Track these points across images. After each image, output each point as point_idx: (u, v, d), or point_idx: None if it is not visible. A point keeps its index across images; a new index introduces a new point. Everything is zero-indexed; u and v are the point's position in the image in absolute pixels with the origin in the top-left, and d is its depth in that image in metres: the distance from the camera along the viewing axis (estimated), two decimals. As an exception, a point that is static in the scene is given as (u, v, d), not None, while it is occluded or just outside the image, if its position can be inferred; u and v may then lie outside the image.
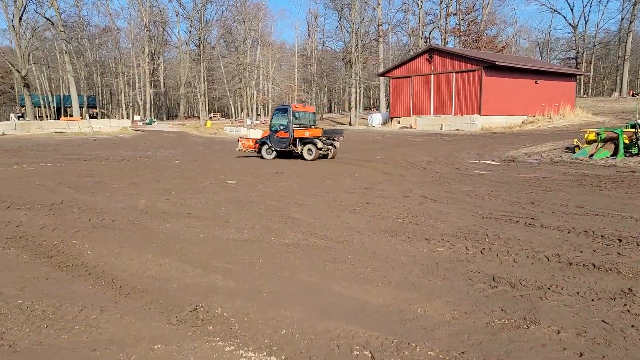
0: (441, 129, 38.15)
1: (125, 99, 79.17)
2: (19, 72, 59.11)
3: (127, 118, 68.27)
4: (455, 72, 38.08)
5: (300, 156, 20.31)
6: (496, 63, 35.89)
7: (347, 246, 6.95)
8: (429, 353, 3.82)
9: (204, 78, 75.38)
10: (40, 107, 72.80)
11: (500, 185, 11.98)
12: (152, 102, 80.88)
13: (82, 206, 10.00)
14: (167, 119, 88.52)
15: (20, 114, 65.78)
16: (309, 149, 19.76)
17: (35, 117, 65.07)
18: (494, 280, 5.40)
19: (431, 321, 4.43)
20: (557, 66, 57.74)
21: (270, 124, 20.95)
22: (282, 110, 21.03)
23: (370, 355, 3.82)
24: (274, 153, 20.76)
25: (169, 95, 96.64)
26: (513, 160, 17.54)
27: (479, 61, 36.79)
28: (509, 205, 9.49)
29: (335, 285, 5.39)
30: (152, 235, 7.69)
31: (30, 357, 3.86)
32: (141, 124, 62.97)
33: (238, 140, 22.77)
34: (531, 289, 5.12)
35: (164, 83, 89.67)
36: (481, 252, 6.45)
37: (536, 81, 39.23)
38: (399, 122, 43.05)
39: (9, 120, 55.32)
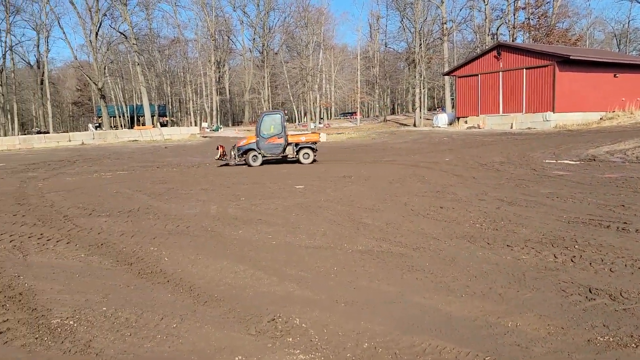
0: (511, 127, 36.71)
1: (193, 107, 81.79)
2: (95, 84, 62.58)
3: (195, 125, 70.52)
4: (526, 69, 36.52)
5: (292, 160, 20.72)
6: (570, 57, 34.10)
7: (423, 253, 6.68)
8: (526, 373, 3.52)
9: (267, 84, 76.66)
10: (115, 117, 76.67)
11: (583, 187, 11.25)
12: (218, 109, 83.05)
13: (157, 213, 10.27)
14: (233, 125, 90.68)
15: (97, 124, 69.61)
16: (306, 154, 20.18)
17: (111, 126, 68.55)
18: (590, 291, 4.98)
19: (525, 337, 4.11)
20: (638, 58, 54.23)
21: (259, 130, 20.32)
22: (272, 116, 20.90)
23: (461, 373, 3.57)
24: (260, 159, 20.34)
25: (234, 102, 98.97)
26: (594, 159, 16.49)
27: (551, 56, 35.09)
28: (597, 209, 8.85)
29: (415, 296, 5.16)
30: (226, 242, 7.73)
31: (116, 366, 3.89)
32: (208, 130, 64.78)
33: (217, 148, 21.71)
34: (635, 302, 4.66)
35: (229, 90, 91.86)
36: (572, 260, 6.00)
37: (615, 75, 36.93)
38: (465, 122, 41.86)
39: (87, 130, 58.56)
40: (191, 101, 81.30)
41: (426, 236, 7.55)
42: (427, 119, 52.64)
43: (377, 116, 79.33)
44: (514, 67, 37.78)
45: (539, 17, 59.29)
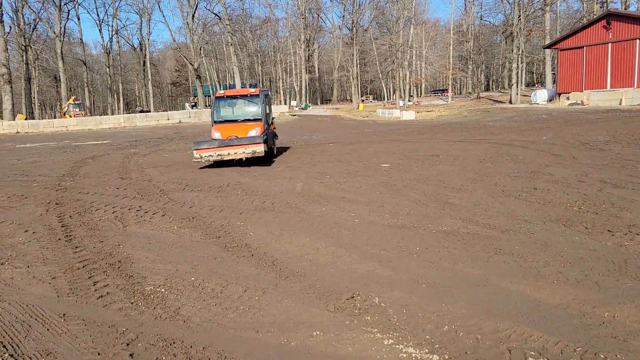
0: (620, 104, 33.84)
1: (282, 86, 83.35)
2: (192, 65, 65.43)
3: (285, 104, 71.91)
4: None
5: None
6: (692, 24, 30.73)
7: (513, 236, 6.35)
8: (622, 369, 3.25)
9: (356, 61, 76.12)
10: (210, 96, 79.93)
11: (701, 169, 10.14)
12: (307, 88, 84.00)
13: (245, 189, 10.59)
14: (321, 103, 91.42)
15: (193, 103, 72.97)
16: None
17: (206, 105, 71.60)
18: (703, 284, 4.49)
19: (623, 329, 3.78)
20: None
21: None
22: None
23: (548, 364, 3.36)
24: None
25: (322, 80, 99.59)
26: None
27: (669, 24, 31.81)
28: None
29: (501, 280, 4.92)
30: (309, 219, 7.82)
31: (202, 335, 4.07)
32: (297, 109, 65.78)
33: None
34: None
35: (318, 68, 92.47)
36: (683, 249, 5.43)
37: None
38: (567, 99, 39.15)
39: (184, 109, 61.57)
40: (281, 80, 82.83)
41: (517, 218, 7.17)
42: (525, 96, 49.86)
43: (469, 93, 76.38)
44: (625, 38, 34.64)
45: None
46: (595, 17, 41.81)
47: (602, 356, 3.40)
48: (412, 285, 4.92)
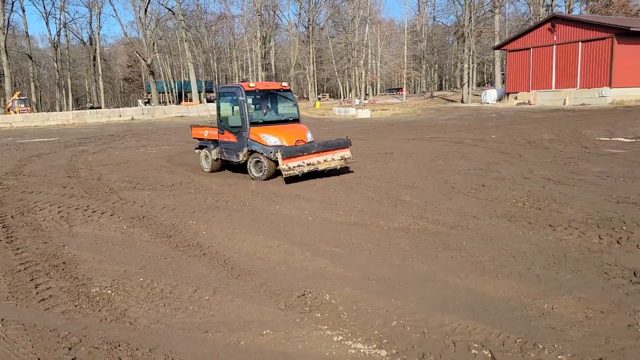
0: (564, 104, 35.21)
1: (239, 83, 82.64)
2: (145, 60, 63.89)
3: (241, 101, 71.32)
4: (582, 42, 34.73)
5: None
6: (631, 29, 32.13)
7: (461, 232, 6.53)
8: (559, 357, 3.40)
9: (312, 59, 76.18)
10: (163, 92, 78.28)
11: (637, 166, 10.68)
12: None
13: (198, 187, 10.45)
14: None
15: (146, 100, 71.34)
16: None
17: (160, 102, 70.11)
18: (635, 275, 4.74)
19: (560, 320, 3.96)
20: None
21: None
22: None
23: (490, 355, 3.48)
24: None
25: (279, 78, 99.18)
26: (651, 137, 15.63)
27: (610, 28, 33.19)
28: (650, 189, 8.40)
29: (449, 275, 5.05)
30: (263, 217, 7.80)
31: (149, 336, 4.00)
32: (254, 106, 65.38)
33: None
34: (683, 287, 4.41)
35: (275, 66, 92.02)
36: (618, 242, 5.72)
37: (679, 47, 34.71)
38: (515, 98, 40.42)
39: (137, 106, 60.10)
40: (237, 77, 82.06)
41: (465, 214, 7.38)
42: (476, 95, 51.16)
43: (423, 92, 77.78)
44: (568, 40, 36.03)
45: (598, -13, 56.13)
46: (540, 20, 43.29)
47: (540, 346, 3.54)
48: (363, 282, 4.99)
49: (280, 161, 10.33)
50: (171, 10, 64.03)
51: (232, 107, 12.07)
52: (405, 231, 6.70)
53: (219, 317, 4.29)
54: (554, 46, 37.09)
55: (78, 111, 50.26)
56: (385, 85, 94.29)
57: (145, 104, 62.28)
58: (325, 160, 11.13)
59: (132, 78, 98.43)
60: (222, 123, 12.06)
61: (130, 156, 16.75)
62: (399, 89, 77.41)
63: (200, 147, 13.14)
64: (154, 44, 66.50)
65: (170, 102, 75.61)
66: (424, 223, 7.04)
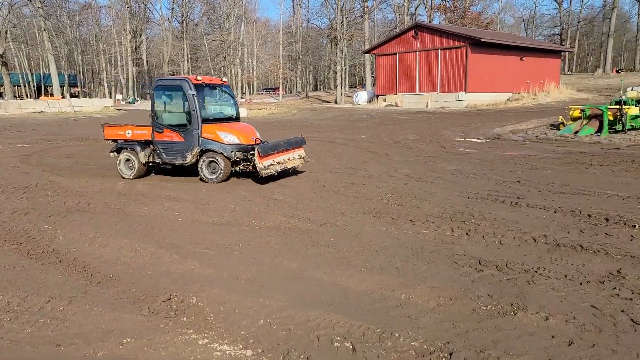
0: (427, 106, 37.91)
1: (107, 78, 77.57)
2: (-5, 50, 57.44)
3: (110, 97, 67.00)
4: (441, 49, 37.67)
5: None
6: (482, 40, 35.52)
7: (329, 229, 6.75)
8: (412, 343, 3.65)
9: (187, 56, 74.04)
10: (19, 86, 71.10)
11: (486, 164, 11.84)
12: (135, 81, 79.33)
13: (57, 189, 9.66)
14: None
15: (-2, 93, 64.28)
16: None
17: (15, 96, 63.59)
18: (480, 263, 5.25)
19: (415, 309, 4.26)
20: (542, 42, 57.48)
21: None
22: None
23: (351, 346, 3.64)
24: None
25: (152, 74, 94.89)
26: (499, 138, 17.41)
27: (464, 38, 36.38)
28: (495, 185, 9.35)
29: (317, 271, 5.20)
30: (129, 219, 7.43)
31: (-11, 354, 3.62)
32: (124, 103, 61.74)
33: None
34: (518, 272, 4.97)
35: (147, 61, 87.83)
36: (467, 234, 6.29)
37: (521, 58, 38.97)
38: (384, 100, 42.69)
39: (-13, 100, 53.95)
40: (105, 72, 77.05)
41: (334, 212, 7.64)
42: (348, 96, 53.16)
43: (299, 92, 79.12)
44: (430, 48, 38.83)
45: (454, 0, 61.17)
46: (405, 27, 46.18)
47: (396, 335, 3.78)
48: (232, 282, 4.96)
49: (257, 160, 9.69)
50: (26, -4, 58.34)
51: (176, 103, 10.98)
52: (277, 230, 6.77)
53: (74, 328, 4.01)
54: (417, 52, 39.72)
55: None
56: (261, 85, 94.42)
57: (-4, 98, 56.13)
58: (289, 159, 10.70)
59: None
60: (158, 120, 10.79)
61: (-24, 156, 15.00)
62: (276, 89, 77.99)
63: (118, 150, 11.27)
64: (6, 32, 60.08)
65: (27, 96, 68.98)
66: (294, 221, 7.17)
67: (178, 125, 10.66)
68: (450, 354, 3.48)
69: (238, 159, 10.19)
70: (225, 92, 11.61)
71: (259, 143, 10.43)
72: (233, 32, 62.08)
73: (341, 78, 53.77)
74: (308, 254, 5.76)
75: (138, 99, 69.08)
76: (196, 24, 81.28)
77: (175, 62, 77.52)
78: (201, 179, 10.41)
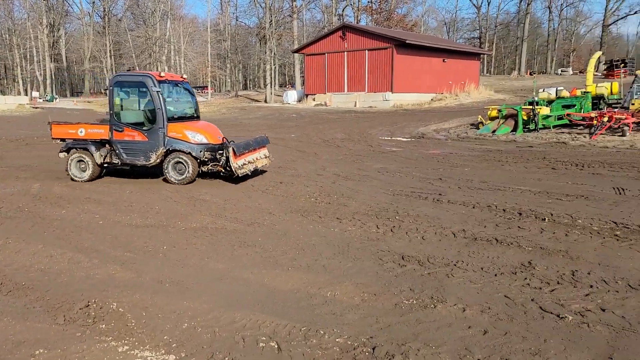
0: (355, 106, 38.55)
1: (22, 74, 72.98)
2: None
3: (25, 95, 63.07)
4: (368, 50, 38.44)
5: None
6: (407, 41, 36.59)
7: (257, 228, 6.72)
8: (337, 340, 3.71)
9: (110, 52, 71.11)
10: None
11: (410, 162, 12.22)
12: (54, 78, 75.26)
13: (-37, 193, 9.00)
14: (72, 95, 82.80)
15: None
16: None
17: None
18: (403, 259, 5.41)
19: (340, 305, 4.33)
20: (463, 45, 60.05)
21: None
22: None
23: (276, 346, 3.65)
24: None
25: (72, 71, 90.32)
26: (423, 137, 18.02)
27: (390, 39, 37.32)
28: (419, 182, 9.67)
29: (243, 272, 5.16)
30: (45, 223, 7.05)
31: None
32: (41, 100, 58.25)
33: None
34: (439, 266, 5.17)
35: (67, 57, 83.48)
36: (391, 230, 6.47)
37: (444, 60, 40.52)
38: (314, 100, 42.99)
39: None
40: (19, 67, 72.47)
41: (262, 211, 7.61)
42: (278, 96, 53.08)
43: (228, 91, 78.07)
44: (357, 48, 39.51)
45: (380, 2, 62.65)
46: (333, 28, 46.73)
47: (321, 332, 3.82)
48: (156, 286, 4.82)
49: (232, 159, 9.42)
50: None
51: (138, 100, 10.47)
52: (203, 231, 6.66)
53: (-20, 341, 3.75)
54: (345, 53, 40.31)
55: None
56: (190, 83, 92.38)
57: None
58: (257, 158, 10.48)
59: None
60: (117, 118, 10.15)
61: None
62: (204, 87, 76.48)
63: (68, 150, 10.54)
64: None
65: None
66: (222, 221, 7.08)
67: (141, 123, 10.19)
68: (373, 349, 3.57)
69: (206, 159, 9.91)
70: (186, 89, 11.26)
71: (225, 142, 10.10)
72: (159, 29, 60.28)
73: (271, 77, 53.60)
74: (235, 255, 5.71)
75: (57, 96, 65.50)
76: (119, 19, 78.19)
77: (97, 59, 74.25)
78: (165, 180, 10.04)
